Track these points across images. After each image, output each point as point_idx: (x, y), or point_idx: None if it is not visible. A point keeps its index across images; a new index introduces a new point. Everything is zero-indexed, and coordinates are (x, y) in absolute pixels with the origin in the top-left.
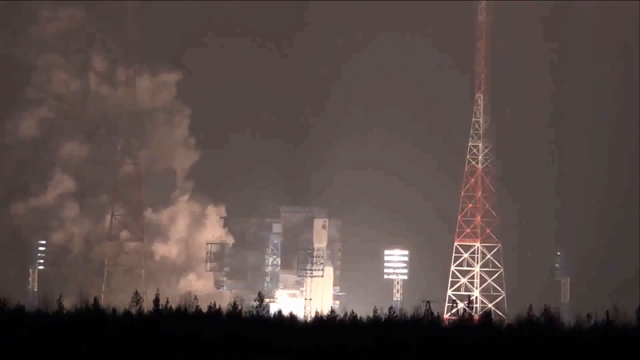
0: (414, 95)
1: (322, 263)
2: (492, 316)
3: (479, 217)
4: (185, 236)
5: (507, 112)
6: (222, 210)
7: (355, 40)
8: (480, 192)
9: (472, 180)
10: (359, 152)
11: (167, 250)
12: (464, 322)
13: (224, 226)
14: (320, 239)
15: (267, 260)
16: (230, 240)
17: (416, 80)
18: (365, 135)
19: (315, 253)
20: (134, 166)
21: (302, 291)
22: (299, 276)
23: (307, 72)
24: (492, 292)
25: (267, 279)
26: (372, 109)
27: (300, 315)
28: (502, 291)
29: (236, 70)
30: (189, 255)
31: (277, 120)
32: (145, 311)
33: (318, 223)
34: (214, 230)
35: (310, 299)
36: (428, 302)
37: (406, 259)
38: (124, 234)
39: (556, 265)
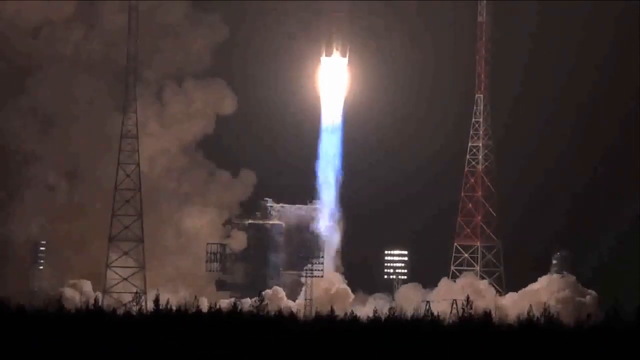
0: (413, 94)
1: (322, 263)
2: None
3: (479, 217)
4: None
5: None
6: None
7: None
8: (480, 192)
9: (472, 180)
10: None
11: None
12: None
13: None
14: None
15: (267, 260)
16: (230, 240)
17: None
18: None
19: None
20: (134, 167)
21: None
22: (299, 276)
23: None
24: None
25: (268, 279)
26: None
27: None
28: (501, 291)
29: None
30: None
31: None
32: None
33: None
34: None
35: (311, 299)
36: (428, 302)
37: (406, 259)
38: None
39: (555, 264)
